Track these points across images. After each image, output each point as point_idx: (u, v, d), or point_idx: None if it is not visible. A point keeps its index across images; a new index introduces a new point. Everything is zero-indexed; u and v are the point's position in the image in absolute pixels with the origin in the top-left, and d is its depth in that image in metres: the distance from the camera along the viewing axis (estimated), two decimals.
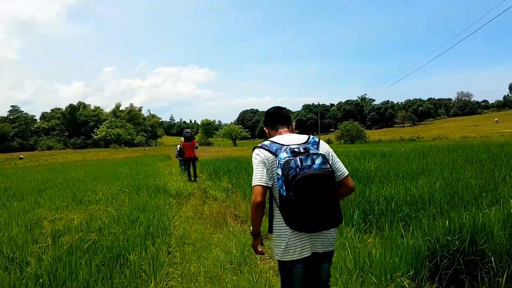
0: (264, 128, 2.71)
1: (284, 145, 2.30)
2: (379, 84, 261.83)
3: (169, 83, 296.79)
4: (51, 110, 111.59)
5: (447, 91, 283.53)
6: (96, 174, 14.70)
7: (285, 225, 2.25)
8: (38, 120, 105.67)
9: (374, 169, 9.53)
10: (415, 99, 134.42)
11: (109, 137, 79.42)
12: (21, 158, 45.14)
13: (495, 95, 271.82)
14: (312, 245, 2.29)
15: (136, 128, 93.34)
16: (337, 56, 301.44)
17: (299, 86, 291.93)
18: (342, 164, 2.43)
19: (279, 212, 2.30)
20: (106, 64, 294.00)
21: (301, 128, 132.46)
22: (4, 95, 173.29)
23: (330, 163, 2.30)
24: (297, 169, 2.12)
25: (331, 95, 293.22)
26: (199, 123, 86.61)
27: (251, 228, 2.45)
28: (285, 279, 2.39)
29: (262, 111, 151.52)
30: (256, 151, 2.38)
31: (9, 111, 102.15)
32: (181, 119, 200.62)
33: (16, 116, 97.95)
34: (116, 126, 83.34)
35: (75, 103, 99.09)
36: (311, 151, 2.22)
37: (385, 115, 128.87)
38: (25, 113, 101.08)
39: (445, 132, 74.26)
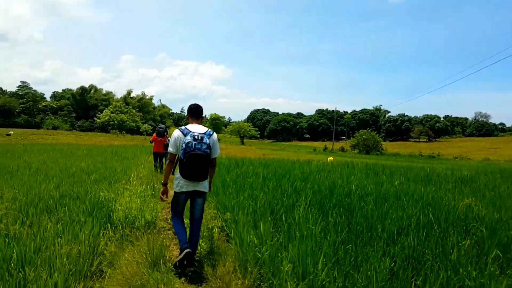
0: (186, 115, 4.51)
1: (191, 131, 4.09)
2: (394, 96, 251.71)
3: (186, 76, 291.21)
4: (62, 90, 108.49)
5: (463, 110, 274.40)
6: (43, 165, 10.64)
7: (179, 174, 4.12)
8: (48, 99, 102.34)
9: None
10: (432, 114, 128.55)
11: (112, 122, 75.60)
12: (8, 135, 41.14)
13: None
14: (192, 186, 4.13)
15: (145, 117, 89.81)
16: (354, 64, 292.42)
17: (313, 90, 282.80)
18: (217, 151, 4.29)
19: (179, 167, 4.12)
20: (126, 52, 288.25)
21: (312, 133, 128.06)
22: (24, 73, 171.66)
23: (211, 149, 4.11)
24: (191, 148, 3.96)
25: (345, 102, 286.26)
26: (208, 118, 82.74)
27: (163, 180, 4.28)
28: (173, 203, 4.32)
29: (274, 112, 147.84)
30: (176, 130, 4.20)
31: (18, 87, 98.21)
32: None
33: (25, 92, 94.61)
34: (121, 112, 79.58)
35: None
36: (204, 140, 4.03)
37: (401, 128, 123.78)
38: (34, 90, 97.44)
39: (462, 151, 70.29)
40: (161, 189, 4.27)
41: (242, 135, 79.21)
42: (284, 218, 5.05)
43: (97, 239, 4.45)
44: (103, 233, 4.80)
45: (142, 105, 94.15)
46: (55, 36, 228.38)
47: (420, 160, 41.67)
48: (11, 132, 45.59)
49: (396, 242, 4.32)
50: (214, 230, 5.05)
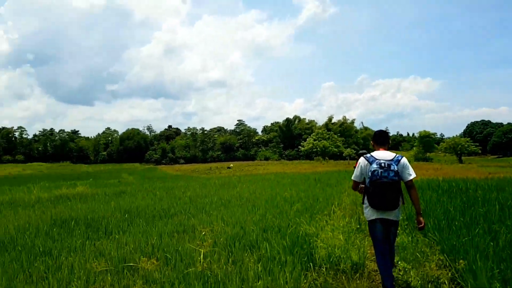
0: (372, 142, 4.38)
1: (377, 159, 3.94)
2: None
3: (388, 95, 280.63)
4: (271, 124, 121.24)
5: None
6: (252, 195, 11.21)
7: (367, 203, 4.01)
8: (260, 133, 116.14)
9: None
10: None
11: (315, 149, 78.53)
12: (229, 168, 47.51)
13: None
14: (382, 214, 3.94)
15: (347, 141, 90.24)
16: None
17: None
18: (409, 173, 3.94)
19: (367, 196, 4.03)
20: (326, 80, 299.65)
21: None
22: (240, 112, 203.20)
23: (400, 174, 3.89)
24: (377, 177, 3.84)
25: None
26: (416, 136, 76.35)
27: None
28: (371, 232, 4.12)
29: (497, 123, 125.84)
30: (361, 158, 4.11)
31: (235, 125, 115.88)
32: (397, 132, 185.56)
33: (241, 129, 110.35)
34: (323, 138, 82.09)
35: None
36: (391, 167, 3.83)
37: None
38: (248, 127, 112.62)
39: None
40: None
41: (459, 152, 69.73)
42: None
43: (298, 283, 3.90)
44: (305, 274, 4.23)
45: (344, 129, 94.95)
46: (263, 76, 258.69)
47: None
48: (231, 165, 52.53)
49: None
50: (441, 280, 3.77)
